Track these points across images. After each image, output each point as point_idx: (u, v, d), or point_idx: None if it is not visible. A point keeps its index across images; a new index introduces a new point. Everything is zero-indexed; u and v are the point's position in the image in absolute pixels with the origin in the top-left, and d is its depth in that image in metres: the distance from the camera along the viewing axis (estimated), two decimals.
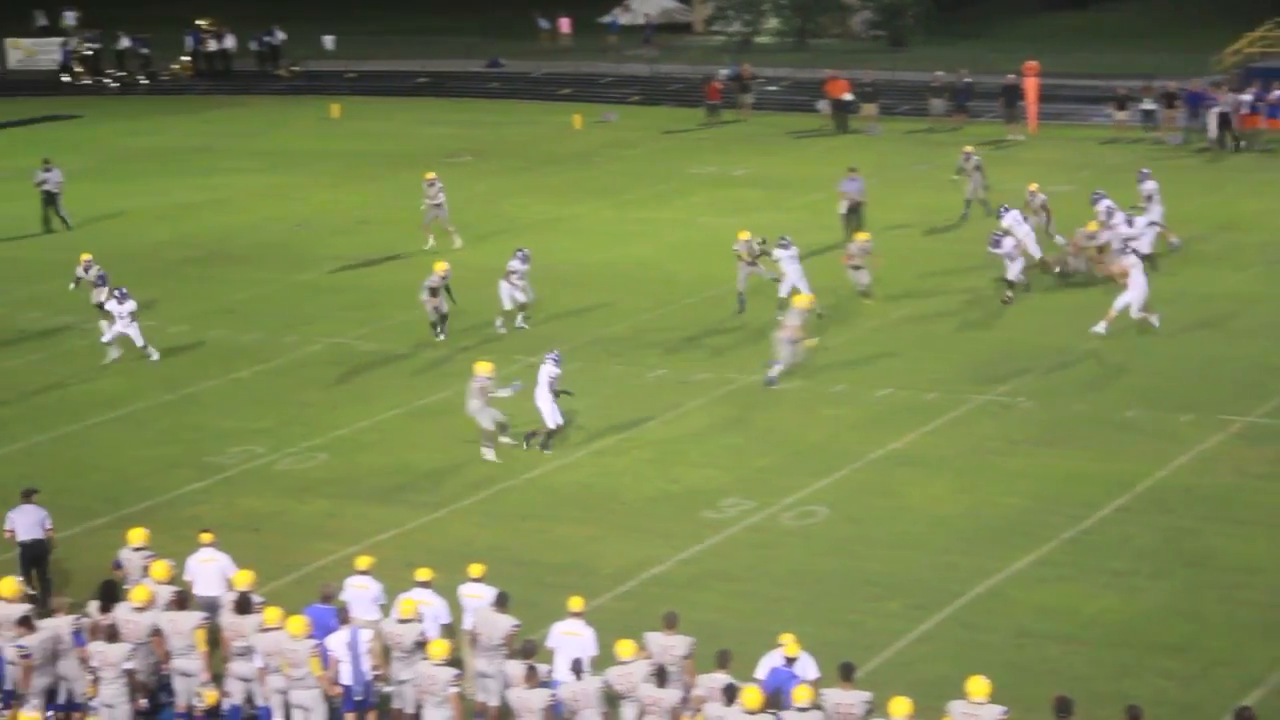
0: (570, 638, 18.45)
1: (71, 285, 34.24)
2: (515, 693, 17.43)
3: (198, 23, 71.85)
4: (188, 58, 71.68)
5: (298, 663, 18.13)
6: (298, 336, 33.50)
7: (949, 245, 39.35)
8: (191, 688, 18.87)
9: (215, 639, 19.14)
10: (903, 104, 59.13)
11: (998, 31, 74.69)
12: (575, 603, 18.77)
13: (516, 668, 17.67)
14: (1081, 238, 35.54)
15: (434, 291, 32.57)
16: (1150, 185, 38.29)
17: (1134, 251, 33.86)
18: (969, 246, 37.65)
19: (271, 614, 18.53)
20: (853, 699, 16.85)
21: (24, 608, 19.17)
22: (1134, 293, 31.47)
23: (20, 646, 18.70)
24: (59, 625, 18.93)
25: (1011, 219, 35.38)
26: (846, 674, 17.12)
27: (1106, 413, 28.29)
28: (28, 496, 22.25)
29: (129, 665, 18.37)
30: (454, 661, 18.31)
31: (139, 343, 31.89)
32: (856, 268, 34.44)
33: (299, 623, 18.27)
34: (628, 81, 67.55)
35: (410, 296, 35.96)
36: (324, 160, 52.24)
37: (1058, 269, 35.59)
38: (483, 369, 26.70)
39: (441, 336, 32.72)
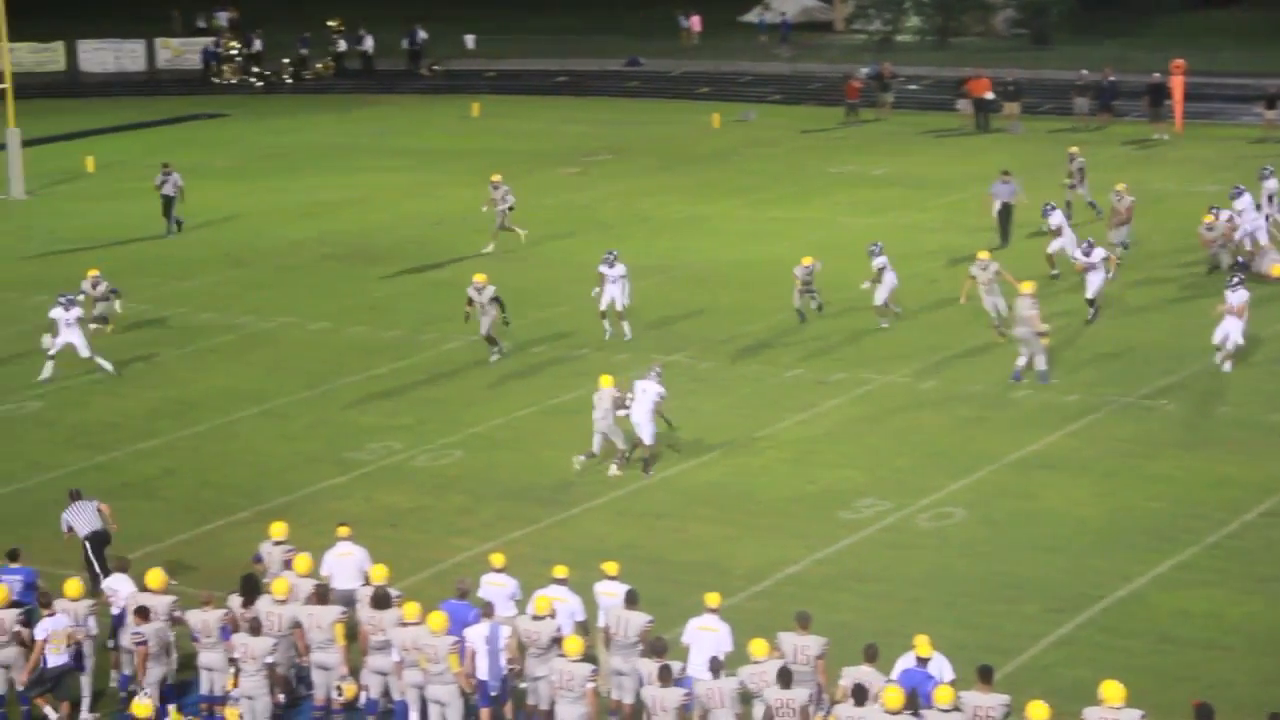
0: (706, 633, 18.45)
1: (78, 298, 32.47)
2: (650, 690, 17.44)
3: (328, 24, 72.54)
4: (329, 58, 72.47)
5: (436, 658, 18.24)
6: (436, 334, 33.76)
7: (978, 245, 38.87)
8: (330, 681, 19.07)
9: (352, 633, 19.33)
10: (1045, 103, 58.50)
11: (1142, 29, 73.66)
12: (712, 599, 18.77)
13: (650, 665, 17.69)
14: (1204, 230, 35.67)
15: (472, 302, 31.15)
16: (1272, 184, 37.67)
17: None
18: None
19: (411, 609, 18.67)
20: (992, 702, 16.70)
21: (169, 599, 19.49)
22: None
23: (136, 633, 19.02)
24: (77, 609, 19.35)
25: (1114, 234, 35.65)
26: (986, 676, 16.97)
27: (1252, 415, 27.82)
28: (75, 497, 22.62)
29: (270, 659, 18.61)
30: (589, 658, 18.36)
31: (84, 353, 31.10)
32: (807, 290, 33.38)
33: (439, 618, 18.37)
34: (767, 80, 67.41)
35: (547, 294, 36.20)
36: (464, 159, 52.60)
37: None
38: (608, 383, 26.10)
39: (495, 356, 31.69)
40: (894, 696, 16.57)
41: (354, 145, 55.82)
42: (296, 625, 19.15)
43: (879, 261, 33.17)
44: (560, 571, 19.47)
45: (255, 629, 18.79)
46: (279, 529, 20.96)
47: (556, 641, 18.36)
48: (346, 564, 20.48)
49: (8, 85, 48.82)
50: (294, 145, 56.17)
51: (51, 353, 31.24)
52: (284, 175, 51.03)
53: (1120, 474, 25.78)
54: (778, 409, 29.00)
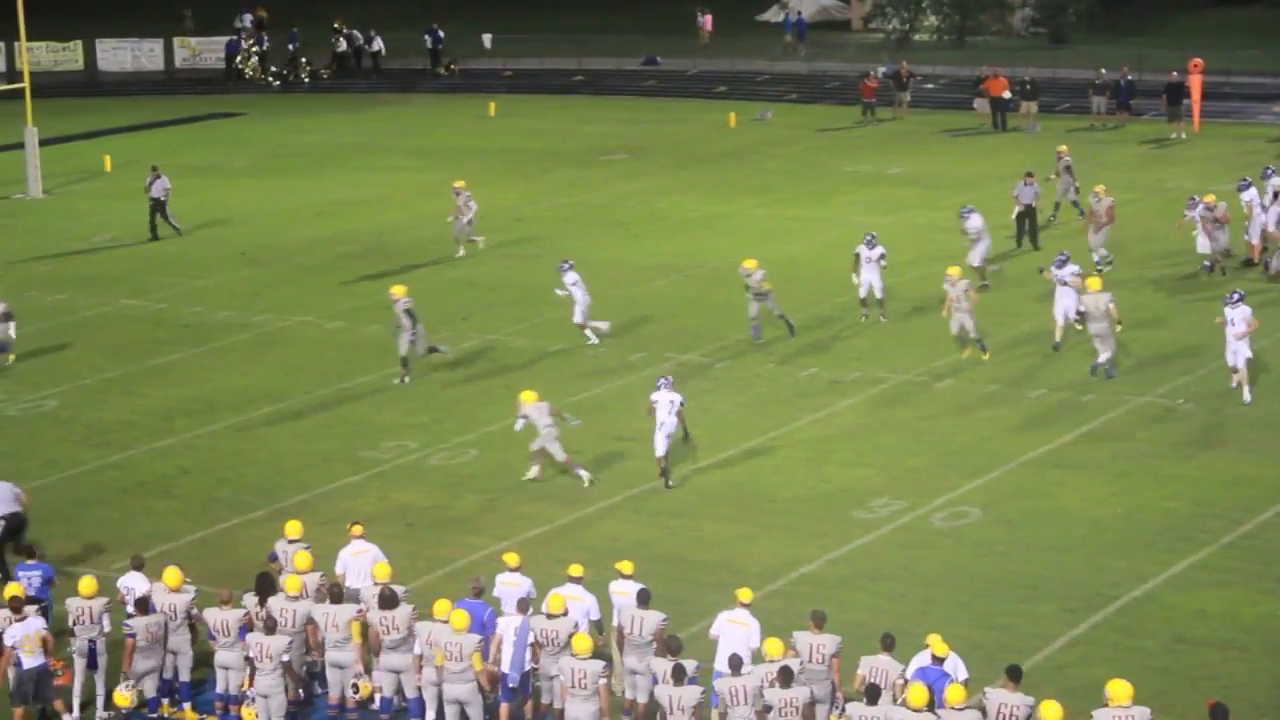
0: (736, 627, 18.48)
1: None
2: (665, 690, 17.43)
3: (335, 25, 72.47)
4: (328, 59, 72.40)
5: (459, 656, 18.23)
6: (452, 332, 33.75)
7: (996, 246, 38.85)
8: (345, 680, 19.08)
9: (363, 632, 19.32)
10: (1063, 102, 58.39)
11: (1160, 28, 73.48)
12: (744, 594, 18.83)
13: (665, 664, 17.68)
14: (1203, 211, 35.69)
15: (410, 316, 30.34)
16: (1277, 181, 37.66)
17: None
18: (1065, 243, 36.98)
19: (442, 605, 18.68)
20: (1017, 700, 16.70)
21: (187, 597, 19.50)
22: None
23: (125, 625, 19.07)
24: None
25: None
26: (1015, 676, 16.98)
27: (1269, 415, 27.75)
28: None
29: (286, 657, 18.63)
30: (599, 657, 18.35)
31: None
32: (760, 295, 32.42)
33: (462, 616, 18.37)
34: (784, 79, 67.35)
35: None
36: (480, 158, 52.60)
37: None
38: (531, 398, 25.88)
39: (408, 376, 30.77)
40: (918, 694, 16.55)
41: (371, 145, 55.86)
42: (310, 622, 19.18)
43: (973, 222, 34.23)
44: (576, 570, 19.47)
45: (270, 627, 18.82)
46: (294, 527, 20.99)
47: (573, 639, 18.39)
48: (361, 562, 20.50)
49: (26, 84, 48.95)
50: (311, 144, 56.22)
51: None
52: (300, 174, 51.07)
53: (1136, 474, 25.73)
54: (792, 408, 28.98)
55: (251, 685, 18.88)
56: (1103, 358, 29.70)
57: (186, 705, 19.51)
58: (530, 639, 18.61)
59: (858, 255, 33.24)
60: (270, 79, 70.49)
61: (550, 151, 53.54)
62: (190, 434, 28.82)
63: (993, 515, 24.37)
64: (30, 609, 19.38)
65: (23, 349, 33.45)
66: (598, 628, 19.28)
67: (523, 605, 18.99)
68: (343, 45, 72.22)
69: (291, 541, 20.74)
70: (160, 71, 74.28)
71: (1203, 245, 35.87)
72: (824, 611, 18.48)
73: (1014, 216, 38.99)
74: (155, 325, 35.06)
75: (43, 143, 49.73)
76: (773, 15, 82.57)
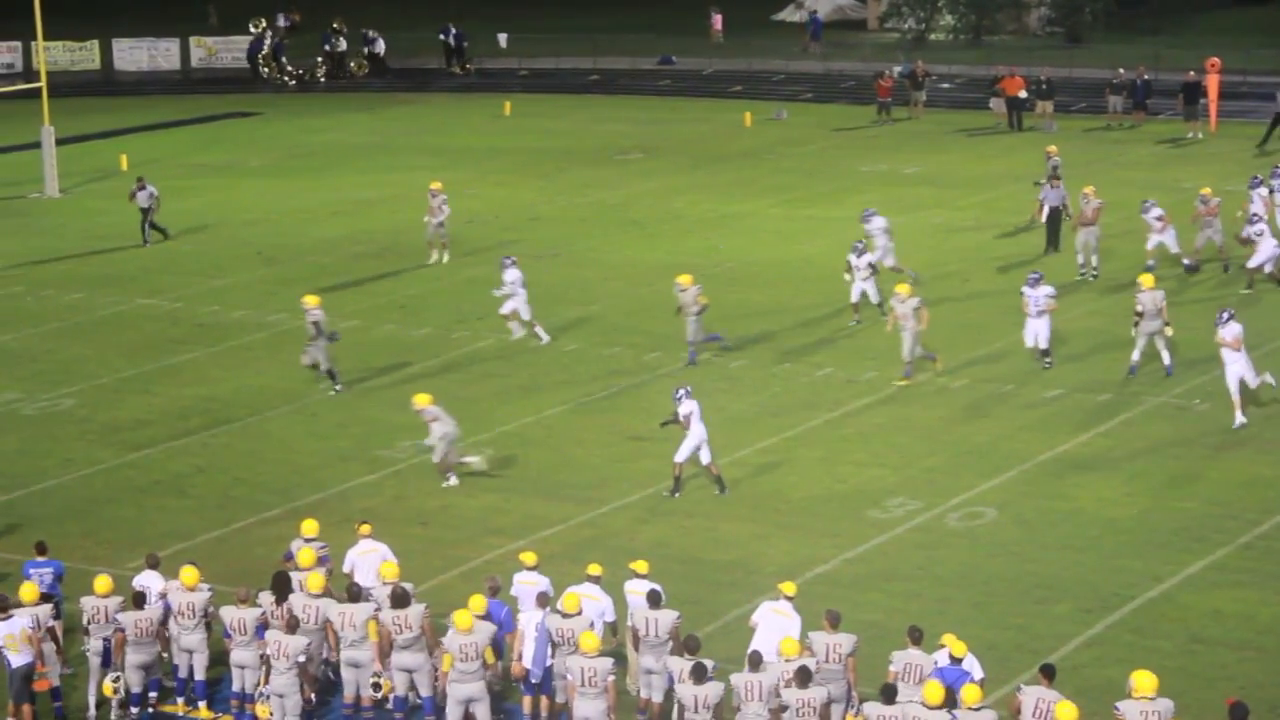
0: (779, 617, 18.52)
1: None
2: (685, 689, 17.40)
3: (333, 26, 72.34)
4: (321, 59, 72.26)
5: (470, 655, 18.23)
6: (467, 332, 33.80)
7: (1007, 246, 38.87)
8: (361, 679, 19.08)
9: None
10: (1079, 101, 58.30)
11: (1177, 27, 73.35)
12: (788, 587, 18.90)
13: (682, 663, 17.66)
14: (1198, 204, 35.78)
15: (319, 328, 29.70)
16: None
17: None
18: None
19: (462, 617, 18.68)
20: (1052, 696, 16.67)
21: (204, 595, 19.53)
22: None
23: (116, 619, 19.10)
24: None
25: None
26: (1050, 674, 16.99)
27: None
28: None
29: (303, 657, 18.65)
30: (616, 656, 18.35)
31: None
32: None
33: (465, 616, 18.37)
34: (799, 79, 67.30)
35: (578, 292, 36.21)
36: (496, 157, 52.66)
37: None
38: (425, 400, 25.87)
39: (337, 388, 30.32)
40: (934, 691, 16.54)
41: (386, 144, 55.89)
42: (328, 620, 19.20)
43: (875, 224, 34.44)
44: (595, 569, 19.48)
45: (293, 626, 18.83)
46: (310, 526, 21.01)
47: None
48: (369, 560, 20.54)
49: (43, 84, 49.05)
50: (327, 144, 56.27)
51: None
52: (316, 174, 51.12)
53: (1152, 474, 25.69)
54: (808, 408, 28.97)
55: (267, 683, 18.90)
56: (1166, 360, 29.51)
57: (202, 704, 19.53)
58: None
59: (849, 262, 33.10)
60: (286, 79, 70.53)
61: (565, 151, 53.55)
62: (206, 433, 28.87)
63: (1008, 515, 24.35)
64: (91, 599, 19.46)
65: (40, 348, 33.54)
66: (612, 630, 19.28)
67: (542, 599, 19.02)
68: (342, 45, 72.01)
69: (308, 540, 20.77)
70: (177, 71, 74.39)
71: (1153, 244, 35.78)
72: (838, 611, 18.46)
73: (1043, 220, 38.70)
74: (171, 324, 35.11)
75: (59, 142, 49.83)
76: (788, 14, 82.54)
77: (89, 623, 19.51)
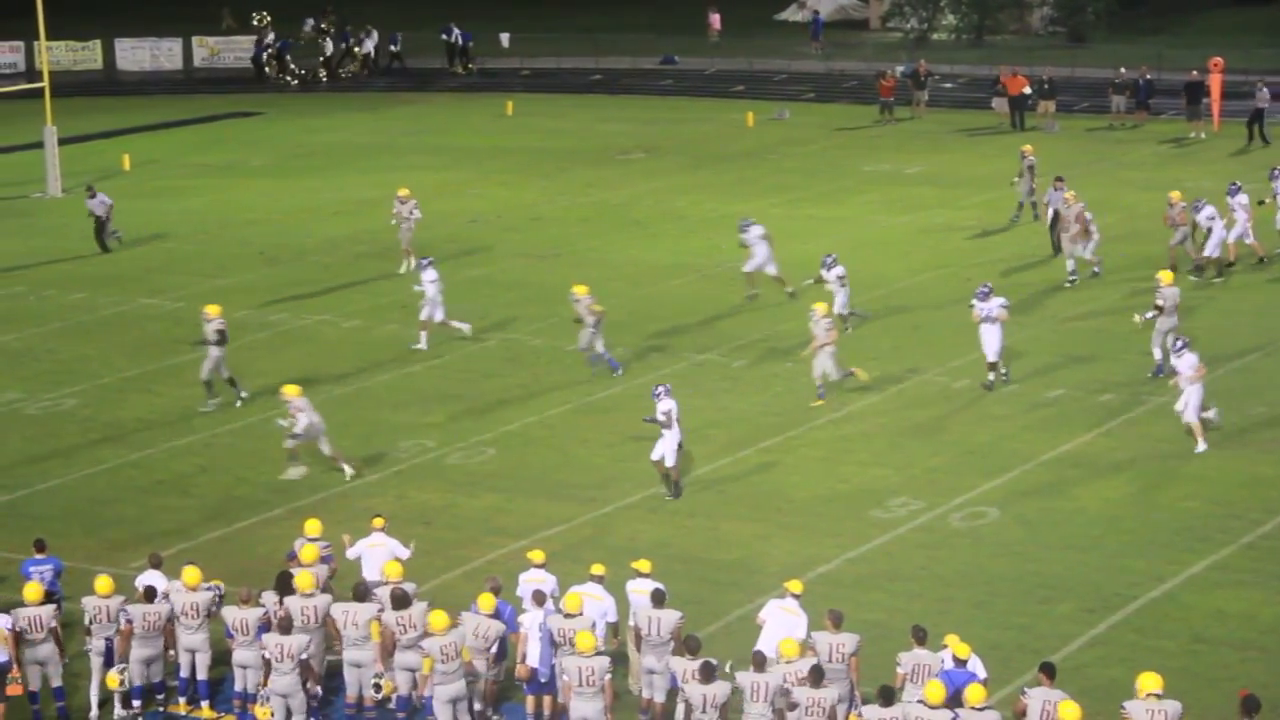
0: (786, 615, 18.54)
1: None
2: (693, 688, 17.37)
3: (321, 26, 72.27)
4: (365, 56, 72.36)
5: (450, 656, 18.24)
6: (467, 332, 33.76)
7: (1010, 246, 38.77)
8: (363, 679, 19.08)
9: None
10: (1081, 101, 58.27)
11: (1180, 27, 73.34)
12: (795, 585, 18.89)
13: (686, 663, 17.63)
14: (1168, 209, 35.81)
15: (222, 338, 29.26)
16: None
17: None
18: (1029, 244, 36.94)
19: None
20: (1057, 696, 16.68)
21: (208, 595, 19.53)
22: None
23: (123, 611, 19.10)
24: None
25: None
26: (1050, 673, 17.05)
27: None
28: None
29: (304, 655, 18.64)
30: (617, 656, 18.34)
31: None
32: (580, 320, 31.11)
33: (441, 617, 18.38)
34: (801, 78, 67.29)
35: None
36: (498, 157, 52.66)
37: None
38: (294, 391, 25.96)
39: (243, 395, 29.88)
40: (935, 691, 16.54)
41: (388, 144, 55.88)
42: (329, 618, 19.18)
43: (752, 233, 33.52)
44: (598, 569, 19.47)
45: (285, 627, 18.81)
46: (313, 526, 21.00)
47: None
48: (377, 554, 20.57)
49: (45, 84, 49.02)
50: (329, 144, 56.27)
51: None
52: (318, 173, 51.12)
53: (1154, 474, 25.68)
54: (810, 408, 28.92)
55: (267, 684, 18.89)
56: (1158, 354, 29.40)
57: (205, 703, 19.53)
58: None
59: (820, 275, 32.67)
60: (288, 78, 70.53)
61: (568, 151, 53.54)
62: (208, 433, 28.86)
63: (1011, 515, 24.34)
64: (93, 599, 19.44)
65: (43, 348, 33.54)
66: (613, 630, 19.27)
67: (539, 597, 18.99)
68: (329, 47, 71.82)
69: (311, 540, 20.77)
70: (179, 71, 74.40)
71: (1232, 238, 35.89)
72: (840, 610, 18.45)
73: (1047, 224, 38.62)
74: (174, 324, 35.09)
75: (62, 142, 49.84)
76: (790, 14, 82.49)
77: (91, 622, 19.51)
